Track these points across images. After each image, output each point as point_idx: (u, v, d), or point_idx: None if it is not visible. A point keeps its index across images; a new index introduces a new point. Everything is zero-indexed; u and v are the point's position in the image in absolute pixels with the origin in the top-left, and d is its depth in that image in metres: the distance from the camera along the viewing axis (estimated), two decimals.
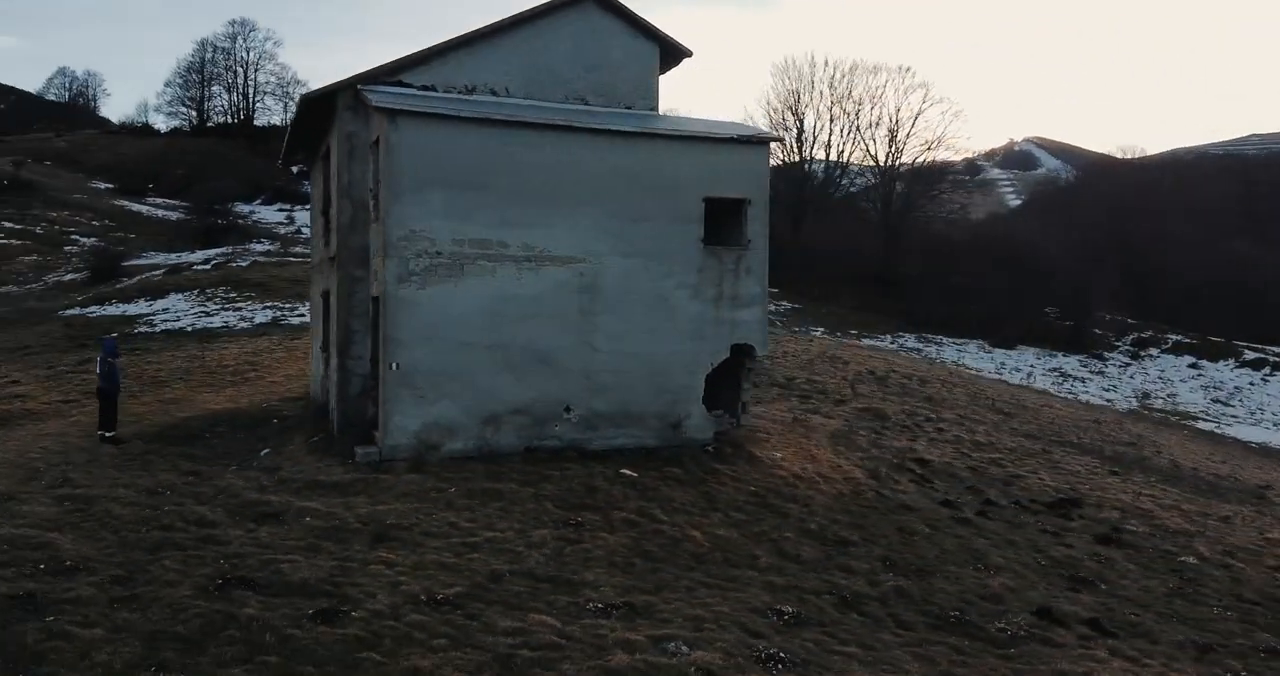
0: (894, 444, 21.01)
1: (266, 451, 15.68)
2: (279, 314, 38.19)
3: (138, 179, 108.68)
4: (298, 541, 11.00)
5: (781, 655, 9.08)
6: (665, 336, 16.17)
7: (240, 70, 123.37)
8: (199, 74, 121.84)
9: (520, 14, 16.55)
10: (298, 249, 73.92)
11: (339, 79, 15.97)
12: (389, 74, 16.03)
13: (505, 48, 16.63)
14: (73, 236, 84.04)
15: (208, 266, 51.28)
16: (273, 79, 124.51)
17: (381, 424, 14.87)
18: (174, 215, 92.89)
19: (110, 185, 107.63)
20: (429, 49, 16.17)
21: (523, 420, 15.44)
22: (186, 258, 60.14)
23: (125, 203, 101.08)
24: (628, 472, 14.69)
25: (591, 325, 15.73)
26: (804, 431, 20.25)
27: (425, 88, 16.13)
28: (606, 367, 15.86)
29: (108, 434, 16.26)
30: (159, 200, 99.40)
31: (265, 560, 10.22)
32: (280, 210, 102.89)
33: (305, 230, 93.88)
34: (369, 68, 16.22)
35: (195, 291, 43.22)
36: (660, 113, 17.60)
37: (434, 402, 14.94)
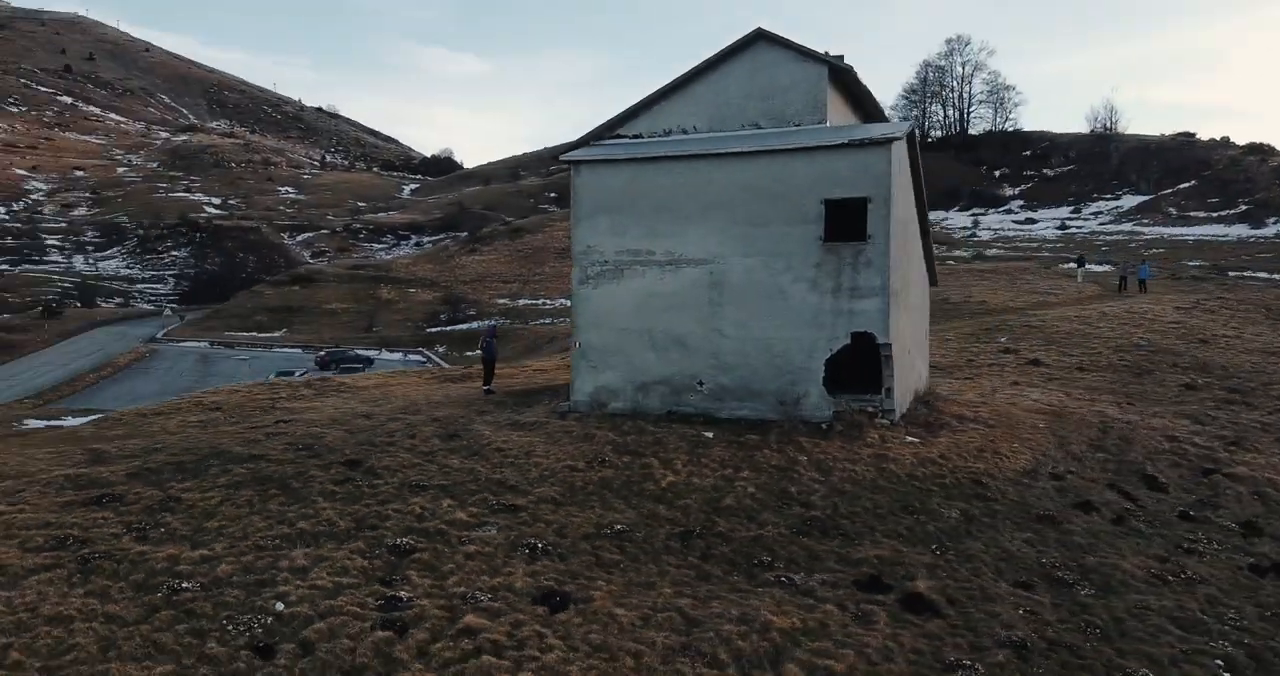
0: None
1: (535, 407, 22.18)
2: None
3: None
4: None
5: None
6: (784, 324, 18.33)
7: (955, 84, 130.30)
8: (919, 93, 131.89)
9: (699, 66, 20.13)
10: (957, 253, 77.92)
11: None
12: (609, 129, 21.17)
13: (692, 94, 20.39)
14: None
15: None
16: (985, 88, 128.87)
17: (570, 388, 20.31)
18: None
19: None
20: (637, 104, 20.80)
21: (664, 389, 19.30)
22: None
23: None
24: (707, 434, 17.75)
25: (718, 315, 18.79)
26: (996, 423, 19.68)
27: (635, 136, 20.88)
28: (732, 350, 18.74)
29: (487, 388, 24.47)
30: None
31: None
32: (972, 215, 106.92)
33: (984, 233, 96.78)
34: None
35: None
36: (829, 124, 19.44)
37: (602, 372, 19.80)
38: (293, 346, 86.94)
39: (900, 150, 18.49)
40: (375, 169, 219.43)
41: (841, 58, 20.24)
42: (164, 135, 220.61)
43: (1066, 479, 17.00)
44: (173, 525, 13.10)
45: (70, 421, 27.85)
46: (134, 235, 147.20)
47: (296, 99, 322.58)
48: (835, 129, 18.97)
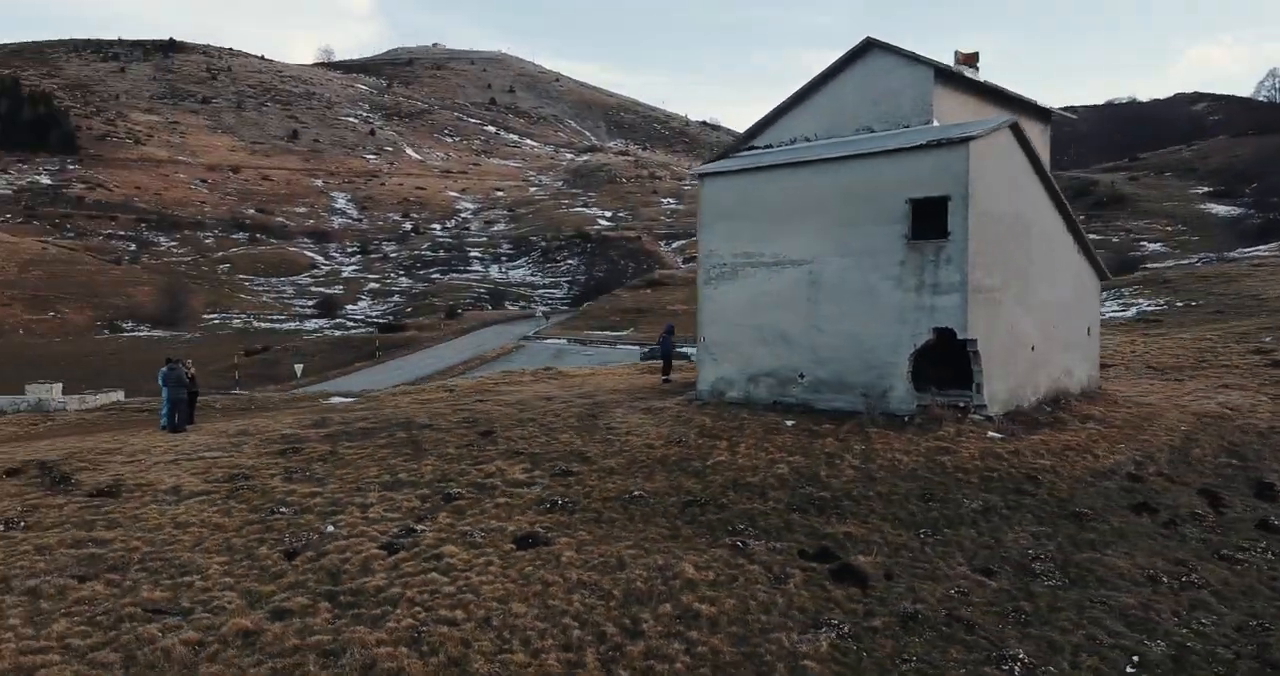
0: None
1: (679, 396, 24.38)
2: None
3: (1240, 181, 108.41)
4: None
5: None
6: (871, 320, 19.09)
7: None
8: None
9: (819, 76, 21.19)
10: None
11: None
12: (744, 140, 22.88)
13: (813, 104, 21.53)
14: (1141, 243, 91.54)
15: None
16: None
17: (697, 378, 22.40)
18: (1236, 213, 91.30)
19: (1207, 189, 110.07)
20: (766, 117, 22.32)
21: (771, 380, 20.75)
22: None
23: (1208, 206, 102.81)
24: (788, 422, 19.09)
25: (816, 311, 19.93)
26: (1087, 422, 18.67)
27: (766, 146, 22.48)
28: (827, 345, 19.78)
29: (665, 379, 27.13)
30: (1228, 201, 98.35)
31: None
32: None
33: None
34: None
35: None
36: (937, 122, 19.73)
37: (721, 364, 21.67)
38: (632, 343, 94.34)
39: (992, 146, 18.56)
40: None
41: (976, 56, 20.61)
42: (569, 156, 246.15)
43: (1148, 481, 16.37)
44: (315, 471, 17.32)
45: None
46: (538, 247, 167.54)
47: (682, 114, 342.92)
48: (918, 130, 19.41)
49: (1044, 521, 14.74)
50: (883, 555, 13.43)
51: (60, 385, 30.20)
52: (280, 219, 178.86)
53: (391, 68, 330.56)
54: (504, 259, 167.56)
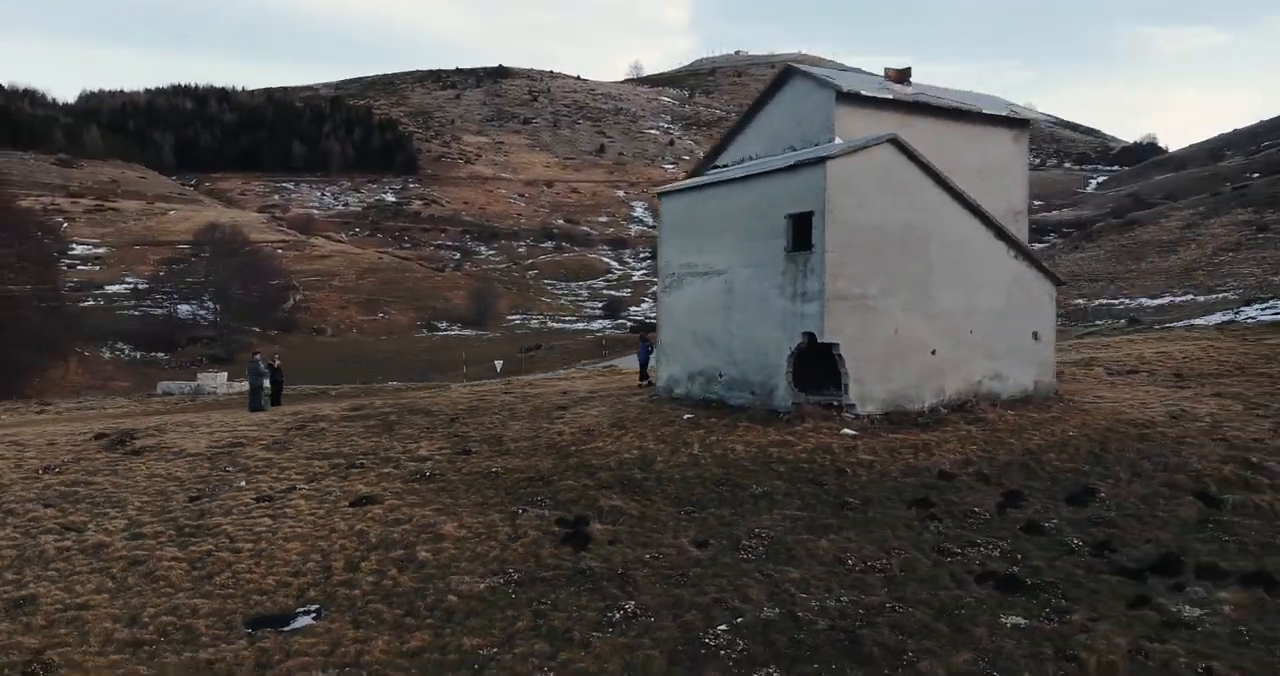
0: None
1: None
2: None
3: None
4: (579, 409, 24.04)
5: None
6: (764, 325, 20.60)
7: None
8: None
9: (757, 99, 22.83)
10: None
11: None
12: (708, 159, 24.85)
13: (755, 126, 23.11)
14: None
15: None
16: None
17: (658, 376, 24.75)
18: None
19: None
20: (725, 137, 24.24)
21: (703, 378, 22.66)
22: None
23: None
24: (687, 416, 21.10)
25: (730, 317, 21.65)
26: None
27: (723, 165, 24.35)
28: (737, 347, 21.46)
29: (642, 382, 29.32)
30: None
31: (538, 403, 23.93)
32: None
33: None
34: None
35: None
36: (839, 140, 20.78)
37: (672, 364, 23.88)
38: None
39: (859, 162, 19.55)
40: (1066, 164, 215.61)
41: (908, 72, 21.65)
42: None
43: (956, 479, 17.00)
44: (293, 442, 21.87)
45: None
46: None
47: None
48: (800, 152, 20.72)
49: (806, 508, 16.17)
50: (625, 525, 15.67)
51: (225, 374, 37.62)
52: (584, 228, 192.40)
53: (695, 78, 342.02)
54: None
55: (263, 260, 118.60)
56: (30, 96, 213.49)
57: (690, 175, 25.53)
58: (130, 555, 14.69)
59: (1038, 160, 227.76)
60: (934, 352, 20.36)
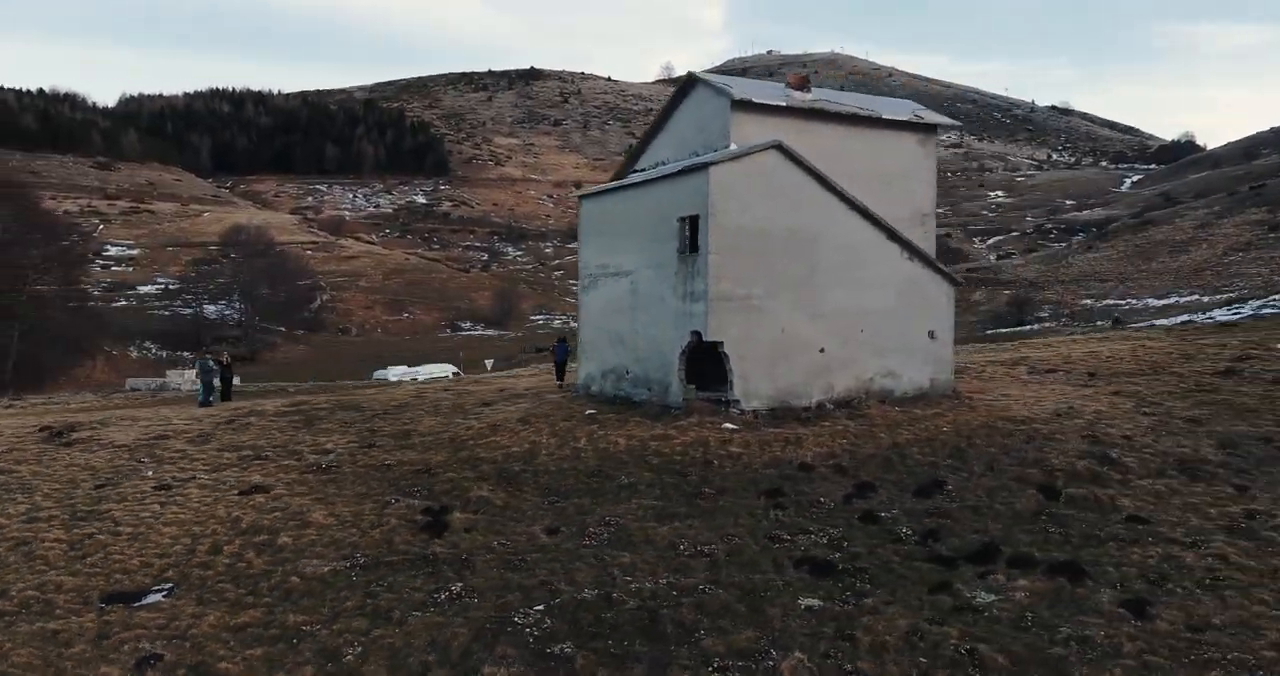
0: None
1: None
2: None
3: None
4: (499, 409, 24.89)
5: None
6: (661, 325, 21.24)
7: None
8: None
9: (666, 106, 23.48)
10: None
11: None
12: (629, 163, 25.54)
13: (666, 131, 23.74)
14: None
15: None
16: None
17: (579, 373, 25.49)
18: None
19: None
20: (640, 141, 24.93)
21: (614, 376, 23.35)
22: None
23: None
24: (590, 411, 21.81)
25: (635, 317, 22.31)
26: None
27: (640, 169, 25.02)
28: (641, 346, 22.12)
29: (560, 384, 29.78)
30: None
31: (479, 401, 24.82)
32: None
33: None
34: None
35: None
36: (734, 146, 21.36)
37: (589, 362, 24.60)
38: None
39: (744, 168, 20.16)
40: (1102, 163, 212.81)
41: (806, 79, 22.21)
42: None
43: (814, 472, 17.60)
44: (217, 435, 22.85)
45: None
46: None
47: (1028, 101, 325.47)
48: (689, 160, 21.37)
49: (663, 497, 16.85)
50: (486, 514, 16.44)
51: (193, 371, 38.92)
52: None
53: (727, 78, 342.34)
54: None
55: (290, 261, 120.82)
56: (70, 100, 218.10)
57: (614, 178, 26.25)
58: (19, 536, 15.66)
59: (1073, 159, 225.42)
60: (822, 351, 20.91)
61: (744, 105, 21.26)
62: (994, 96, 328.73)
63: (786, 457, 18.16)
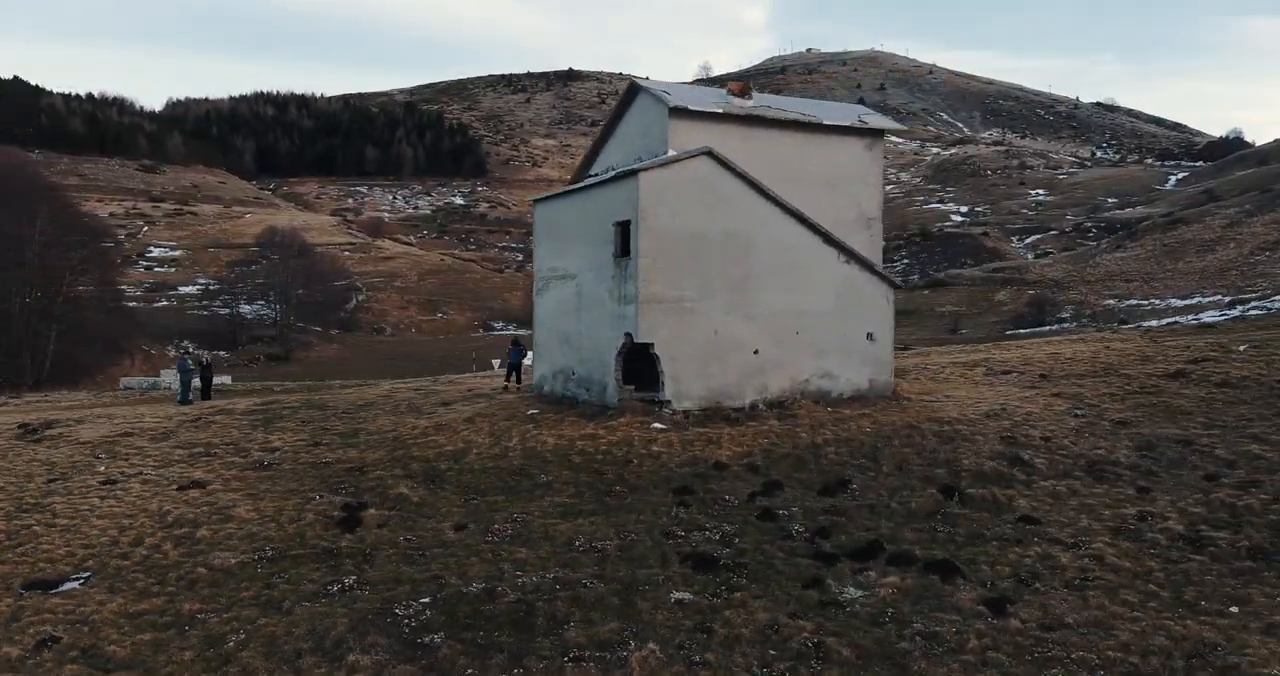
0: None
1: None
2: None
3: None
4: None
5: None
6: (600, 326, 21.68)
7: None
8: None
9: (614, 112, 23.91)
10: None
11: None
12: (583, 168, 25.96)
13: (615, 137, 24.14)
14: None
15: None
16: None
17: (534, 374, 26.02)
18: None
19: None
20: (591, 149, 25.35)
21: (563, 376, 23.81)
22: None
23: None
24: (533, 412, 22.30)
25: (579, 319, 22.77)
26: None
27: (592, 174, 25.46)
28: (585, 347, 22.56)
29: (508, 385, 30.01)
30: None
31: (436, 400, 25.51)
32: None
33: None
34: None
35: None
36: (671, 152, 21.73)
37: (542, 362, 25.08)
38: None
39: (674, 174, 20.53)
40: (1147, 160, 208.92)
41: (747, 87, 22.58)
42: (935, 151, 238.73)
43: (727, 470, 17.94)
44: (178, 434, 23.69)
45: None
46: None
47: (1073, 97, 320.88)
48: (618, 169, 21.77)
49: (576, 495, 17.30)
50: (400, 511, 16.99)
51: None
52: None
53: (765, 77, 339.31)
54: None
55: (326, 262, 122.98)
56: (118, 104, 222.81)
57: (571, 182, 26.71)
58: None
59: (1117, 156, 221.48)
60: (756, 352, 21.22)
61: (680, 112, 21.61)
62: (1037, 93, 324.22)
63: (704, 457, 18.49)
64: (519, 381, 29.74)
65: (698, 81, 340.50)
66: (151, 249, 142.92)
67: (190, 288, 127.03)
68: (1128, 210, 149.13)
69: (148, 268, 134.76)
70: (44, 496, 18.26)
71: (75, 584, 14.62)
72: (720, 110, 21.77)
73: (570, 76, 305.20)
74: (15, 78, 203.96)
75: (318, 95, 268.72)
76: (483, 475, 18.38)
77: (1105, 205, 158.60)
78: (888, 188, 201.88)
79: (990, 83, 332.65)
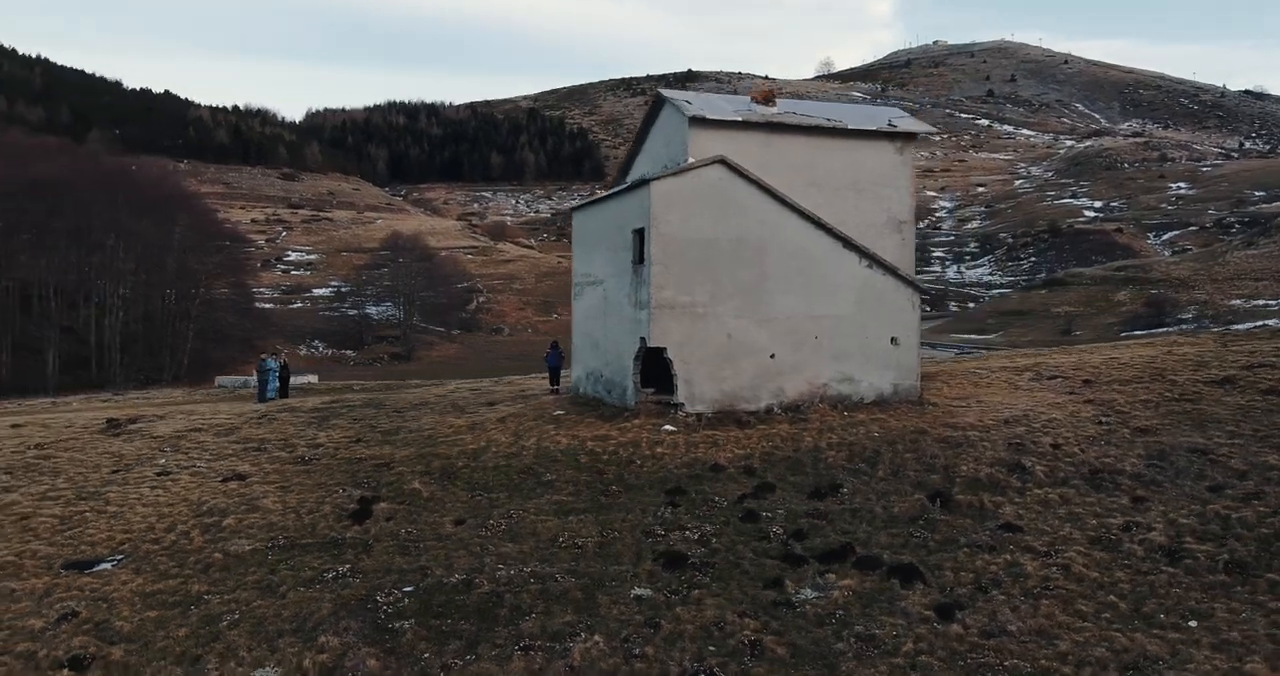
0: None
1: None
2: None
3: None
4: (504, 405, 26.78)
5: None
6: (621, 330, 22.26)
7: None
8: None
9: (643, 123, 24.50)
10: None
11: None
12: (621, 175, 26.61)
13: (645, 147, 24.65)
14: None
15: None
16: None
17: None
18: None
19: None
20: (626, 159, 25.94)
21: (594, 378, 24.50)
22: None
23: None
24: (559, 413, 23.05)
25: (606, 323, 23.43)
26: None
27: (627, 182, 26.04)
28: (610, 350, 23.15)
29: (552, 388, 30.48)
30: None
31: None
32: None
33: None
34: None
35: None
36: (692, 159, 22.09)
37: (578, 365, 25.82)
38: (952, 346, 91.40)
39: (688, 182, 20.92)
40: None
41: (771, 94, 22.91)
42: (1069, 143, 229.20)
43: (723, 472, 18.32)
44: (243, 431, 25.42)
45: None
46: (1004, 244, 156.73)
47: (1219, 85, 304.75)
48: (635, 180, 22.27)
49: (574, 494, 17.97)
50: (409, 505, 17.99)
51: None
52: None
53: (889, 71, 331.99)
54: (966, 258, 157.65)
55: (449, 265, 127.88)
56: (261, 116, 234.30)
57: (608, 190, 27.36)
58: (25, 511, 18.37)
59: (1267, 147, 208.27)
60: (773, 356, 21.45)
61: (699, 121, 22.02)
62: (1180, 81, 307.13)
63: (704, 458, 18.89)
64: (556, 384, 30.18)
65: (818, 78, 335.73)
66: (289, 253, 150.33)
67: (324, 290, 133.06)
68: (1276, 204, 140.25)
69: (285, 271, 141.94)
70: (103, 486, 20.00)
71: (108, 565, 16.08)
72: (739, 118, 22.07)
73: (689, 77, 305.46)
74: (166, 92, 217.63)
75: (446, 104, 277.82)
76: (494, 473, 19.21)
77: (1251, 199, 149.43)
78: (1017, 182, 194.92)
79: (1129, 71, 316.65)
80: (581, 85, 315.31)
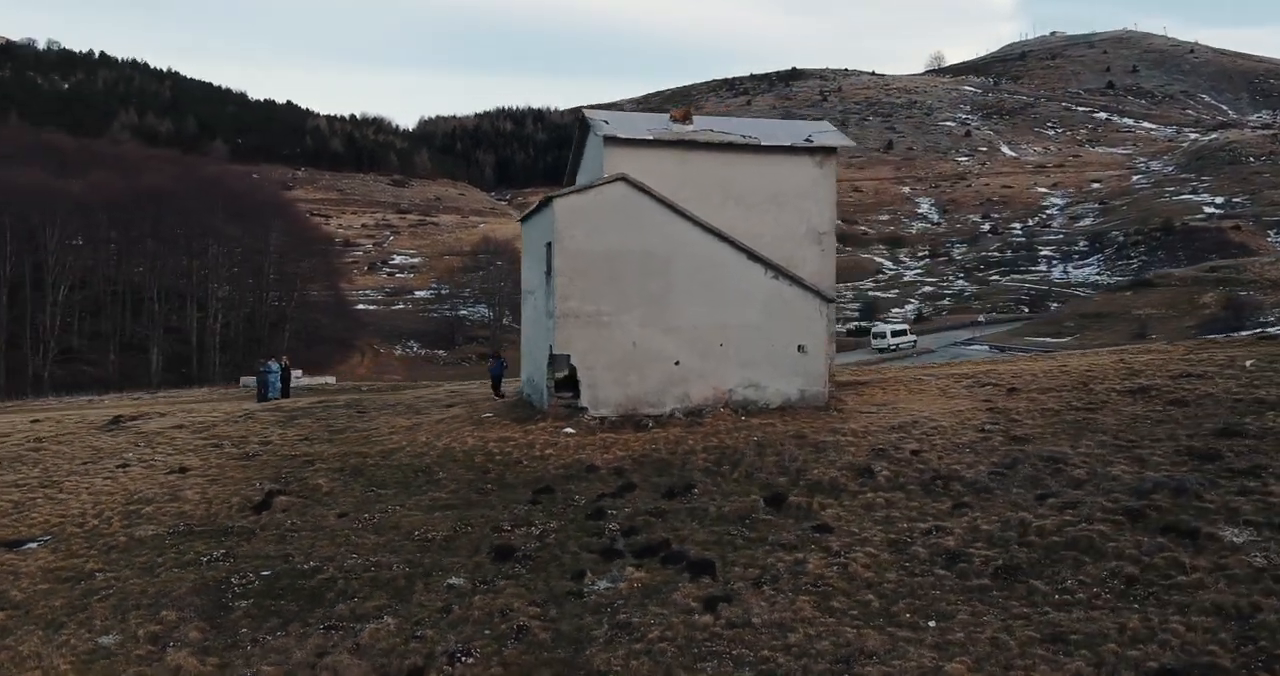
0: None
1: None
2: None
3: None
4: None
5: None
6: (540, 338, 23.54)
7: None
8: None
9: (577, 141, 25.71)
10: None
11: None
12: (565, 184, 27.81)
13: (583, 163, 26.05)
14: None
15: None
16: None
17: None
18: None
19: None
20: (569, 170, 27.15)
21: (530, 384, 25.85)
22: None
23: None
24: (487, 415, 24.46)
25: (535, 330, 24.79)
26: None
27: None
28: (537, 356, 24.43)
29: (497, 394, 31.57)
30: None
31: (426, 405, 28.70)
32: None
33: None
34: None
35: None
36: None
37: (522, 370, 27.24)
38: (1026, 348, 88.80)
39: (591, 199, 22.08)
40: None
41: (687, 113, 24.00)
42: (1193, 136, 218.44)
43: (596, 471, 19.36)
44: (222, 429, 27.74)
45: None
46: (1114, 242, 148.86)
47: None
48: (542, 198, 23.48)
49: (454, 491, 19.28)
50: (305, 499, 19.67)
51: (299, 371, 45.14)
52: (862, 227, 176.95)
53: (1002, 64, 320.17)
54: (1075, 257, 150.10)
55: None
56: (376, 124, 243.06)
57: None
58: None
59: None
60: (678, 363, 22.40)
61: (613, 140, 23.16)
62: None
63: (585, 460, 20.02)
64: (498, 390, 30.83)
65: (928, 73, 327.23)
66: (394, 256, 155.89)
67: (424, 292, 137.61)
68: None
69: (389, 273, 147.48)
70: (67, 476, 22.36)
71: (34, 545, 18.23)
72: (651, 136, 23.11)
73: (793, 76, 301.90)
74: (288, 102, 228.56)
75: (551, 109, 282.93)
76: (395, 471, 20.75)
77: None
78: (1134, 178, 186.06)
79: (1260, 61, 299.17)
80: (685, 87, 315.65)
